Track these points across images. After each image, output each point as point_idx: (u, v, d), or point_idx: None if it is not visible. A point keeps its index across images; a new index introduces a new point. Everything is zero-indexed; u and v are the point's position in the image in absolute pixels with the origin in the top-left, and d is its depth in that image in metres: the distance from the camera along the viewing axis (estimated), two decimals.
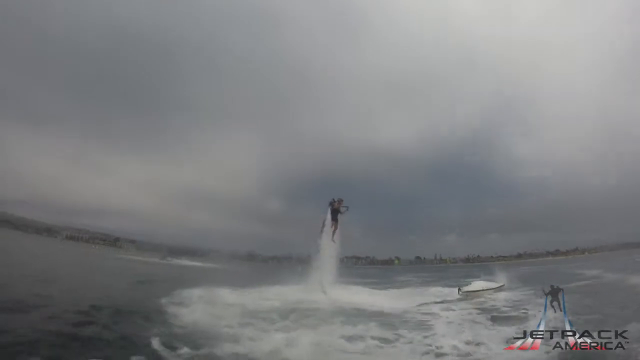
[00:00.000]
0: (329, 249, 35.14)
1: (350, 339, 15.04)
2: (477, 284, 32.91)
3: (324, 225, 35.51)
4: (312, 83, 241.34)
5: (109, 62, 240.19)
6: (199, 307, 20.68)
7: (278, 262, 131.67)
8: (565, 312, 12.24)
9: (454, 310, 23.79)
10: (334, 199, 35.85)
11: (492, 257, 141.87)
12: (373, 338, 15.19)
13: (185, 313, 18.57)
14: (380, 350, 13.85)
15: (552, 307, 12.85)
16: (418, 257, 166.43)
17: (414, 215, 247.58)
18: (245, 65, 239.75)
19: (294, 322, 18.52)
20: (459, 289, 31.83)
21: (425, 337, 15.75)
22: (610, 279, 38.02)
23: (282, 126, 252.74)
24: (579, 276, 42.78)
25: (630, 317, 14.81)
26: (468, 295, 30.47)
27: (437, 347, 13.78)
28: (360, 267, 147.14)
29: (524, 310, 21.56)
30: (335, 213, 35.62)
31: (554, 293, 13.07)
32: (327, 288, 32.82)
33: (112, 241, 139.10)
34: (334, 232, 35.26)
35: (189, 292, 25.68)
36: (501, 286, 33.82)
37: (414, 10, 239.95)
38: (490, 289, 32.25)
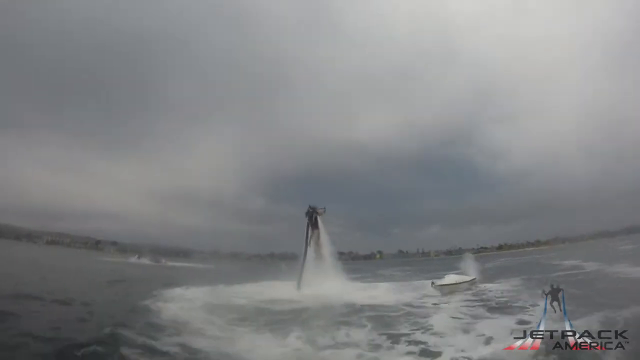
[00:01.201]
0: (325, 251, 37.80)
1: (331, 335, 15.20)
2: (449, 278, 33.80)
3: (308, 232, 37.72)
4: (292, 80, 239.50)
5: (87, 64, 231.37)
6: (177, 305, 21.11)
7: (261, 259, 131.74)
8: (565, 312, 12.41)
9: (447, 304, 24.16)
10: (311, 207, 38.97)
11: (474, 248, 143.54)
12: (362, 339, 15.07)
13: (164, 310, 19.09)
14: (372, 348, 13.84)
15: (552, 307, 13.05)
16: (401, 251, 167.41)
17: (396, 209, 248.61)
18: (225, 64, 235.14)
19: (275, 319, 19.01)
20: (432, 283, 32.73)
21: (423, 332, 15.93)
22: (591, 268, 39.08)
23: (263, 124, 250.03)
24: (557, 267, 43.98)
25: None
26: (441, 289, 31.17)
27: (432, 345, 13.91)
28: (343, 262, 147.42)
29: (514, 302, 22.18)
30: (314, 220, 38.81)
31: (553, 293, 13.25)
32: (328, 285, 34.23)
33: (94, 244, 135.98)
34: (317, 237, 38.39)
35: (170, 292, 26.23)
36: (473, 279, 34.77)
37: (391, 4, 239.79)
38: (464, 282, 33.12)
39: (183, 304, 21.95)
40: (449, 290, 30.96)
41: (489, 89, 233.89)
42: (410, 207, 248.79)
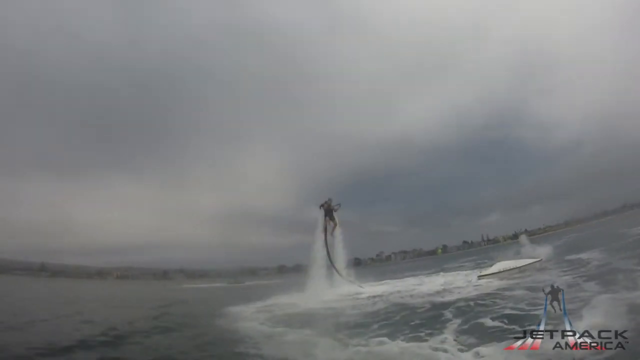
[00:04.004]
0: (337, 248, 38.40)
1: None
2: (497, 266, 31.70)
3: (325, 228, 38.10)
4: (325, 84, 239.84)
5: (119, 95, 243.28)
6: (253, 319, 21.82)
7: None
8: (565, 312, 11.92)
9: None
10: (324, 202, 38.85)
11: (539, 229, 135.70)
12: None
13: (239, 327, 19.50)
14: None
15: (552, 307, 12.53)
16: (465, 242, 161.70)
17: (452, 200, 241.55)
18: (256, 77, 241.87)
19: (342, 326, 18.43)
20: (479, 276, 31.08)
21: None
22: None
23: (304, 132, 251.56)
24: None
25: None
26: (489, 279, 29.41)
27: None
28: (408, 260, 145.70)
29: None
30: (330, 213, 38.28)
31: (554, 293, 12.71)
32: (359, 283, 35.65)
33: (162, 274, 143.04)
34: (334, 228, 38.24)
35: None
36: (538, 261, 32.57)
37: None
38: (517, 267, 30.94)
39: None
40: (499, 278, 28.76)
41: (529, 63, 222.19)
42: (466, 196, 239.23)
